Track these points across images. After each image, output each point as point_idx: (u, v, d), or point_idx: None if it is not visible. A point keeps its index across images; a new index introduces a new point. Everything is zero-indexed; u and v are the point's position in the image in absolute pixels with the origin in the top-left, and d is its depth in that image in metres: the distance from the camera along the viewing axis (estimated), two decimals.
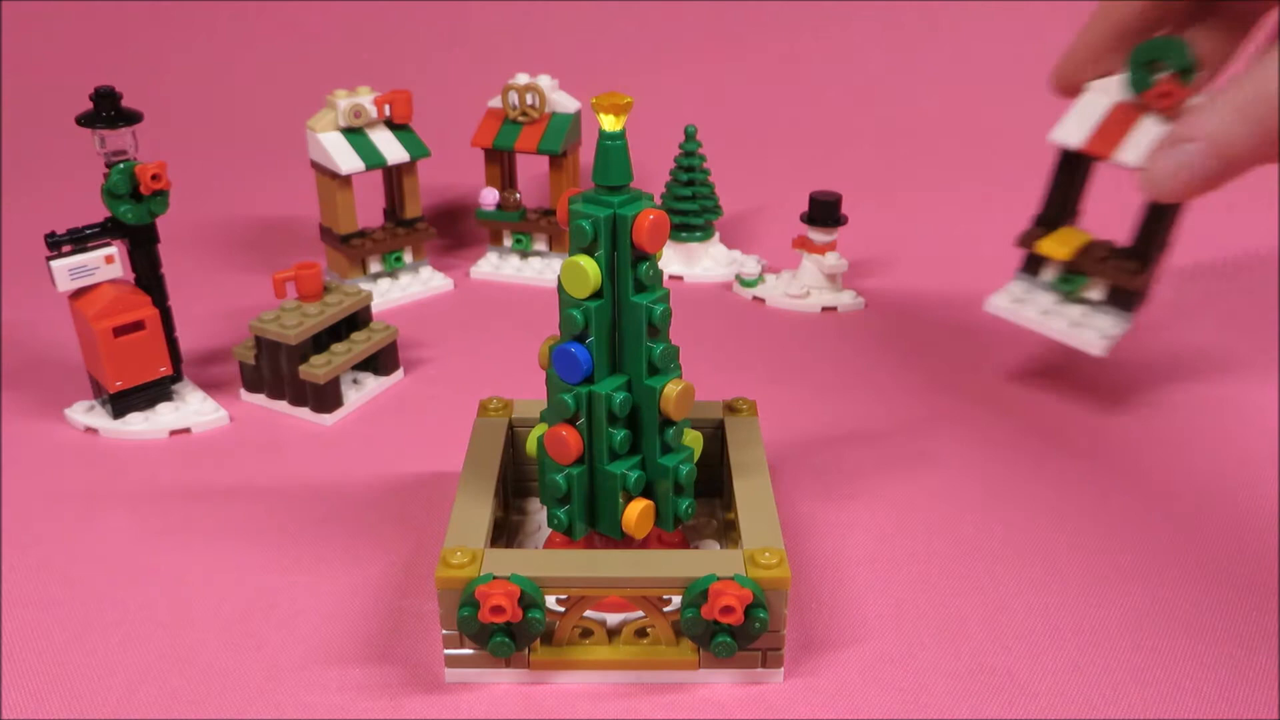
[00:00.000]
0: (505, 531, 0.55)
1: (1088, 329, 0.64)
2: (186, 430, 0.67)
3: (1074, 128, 0.60)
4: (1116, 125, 0.58)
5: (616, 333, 0.46)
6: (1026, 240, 0.66)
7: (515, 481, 0.58)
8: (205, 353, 0.76)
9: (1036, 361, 0.76)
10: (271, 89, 1.31)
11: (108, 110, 0.63)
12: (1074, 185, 0.65)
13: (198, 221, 1.01)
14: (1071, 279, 0.65)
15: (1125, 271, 0.63)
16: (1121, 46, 0.45)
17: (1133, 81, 0.56)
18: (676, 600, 0.46)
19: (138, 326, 0.65)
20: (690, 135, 0.89)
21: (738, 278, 0.88)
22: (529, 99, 0.86)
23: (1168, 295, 0.84)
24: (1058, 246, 0.64)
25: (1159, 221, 0.62)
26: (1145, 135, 0.57)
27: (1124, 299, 0.64)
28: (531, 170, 0.98)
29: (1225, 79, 0.36)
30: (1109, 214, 0.69)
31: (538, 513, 0.57)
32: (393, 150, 0.83)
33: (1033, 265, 0.67)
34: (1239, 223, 0.96)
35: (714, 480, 0.57)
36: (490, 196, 0.90)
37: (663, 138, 0.98)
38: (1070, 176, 0.64)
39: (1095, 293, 0.65)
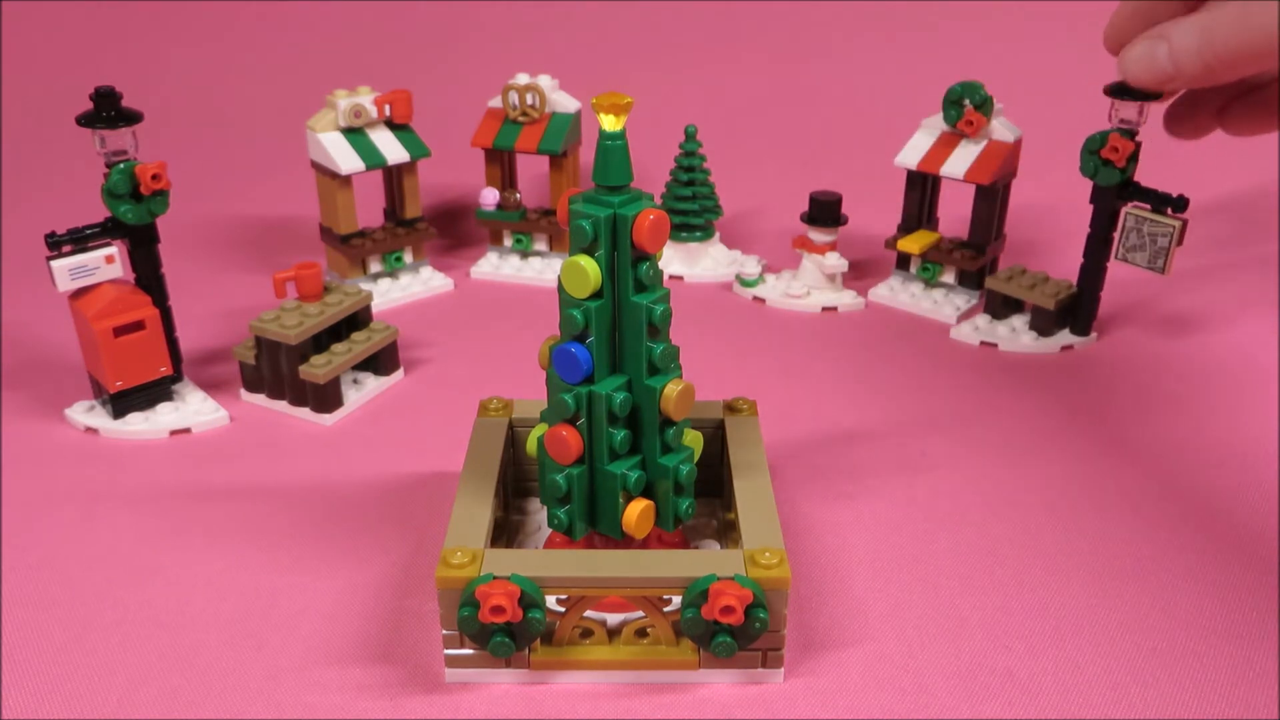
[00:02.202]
0: (505, 531, 0.55)
1: (946, 305, 0.83)
2: (187, 430, 0.67)
3: (911, 154, 0.82)
4: (941, 148, 0.81)
5: (617, 333, 0.46)
6: (891, 242, 0.85)
7: (515, 481, 0.58)
8: (205, 353, 0.76)
9: (1036, 361, 0.76)
10: (271, 89, 1.30)
11: (108, 110, 0.63)
12: (923, 196, 0.85)
13: (198, 221, 1.01)
14: (930, 268, 0.84)
15: (967, 259, 0.82)
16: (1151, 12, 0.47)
17: (946, 117, 0.80)
18: (677, 600, 0.46)
19: (138, 326, 0.65)
20: (690, 135, 0.89)
21: (738, 278, 0.88)
22: (529, 99, 0.86)
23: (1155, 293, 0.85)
24: (913, 244, 0.83)
25: (989, 219, 0.81)
26: (963, 154, 0.79)
27: (970, 279, 0.84)
28: (532, 170, 0.98)
29: None
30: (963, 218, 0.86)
31: (538, 513, 0.57)
32: (393, 150, 0.83)
33: (902, 262, 0.86)
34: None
35: (714, 480, 0.57)
36: (490, 196, 0.90)
37: (663, 138, 0.98)
38: (918, 191, 0.84)
39: (949, 277, 0.85)
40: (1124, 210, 0.74)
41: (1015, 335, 0.78)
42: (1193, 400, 0.70)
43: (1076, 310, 0.78)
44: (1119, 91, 0.71)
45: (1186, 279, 0.88)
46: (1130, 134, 0.72)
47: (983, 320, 0.80)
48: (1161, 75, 0.41)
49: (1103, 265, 0.76)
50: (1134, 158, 0.72)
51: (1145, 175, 0.73)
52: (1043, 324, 0.78)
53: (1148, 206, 0.73)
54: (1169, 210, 0.72)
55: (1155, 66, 0.41)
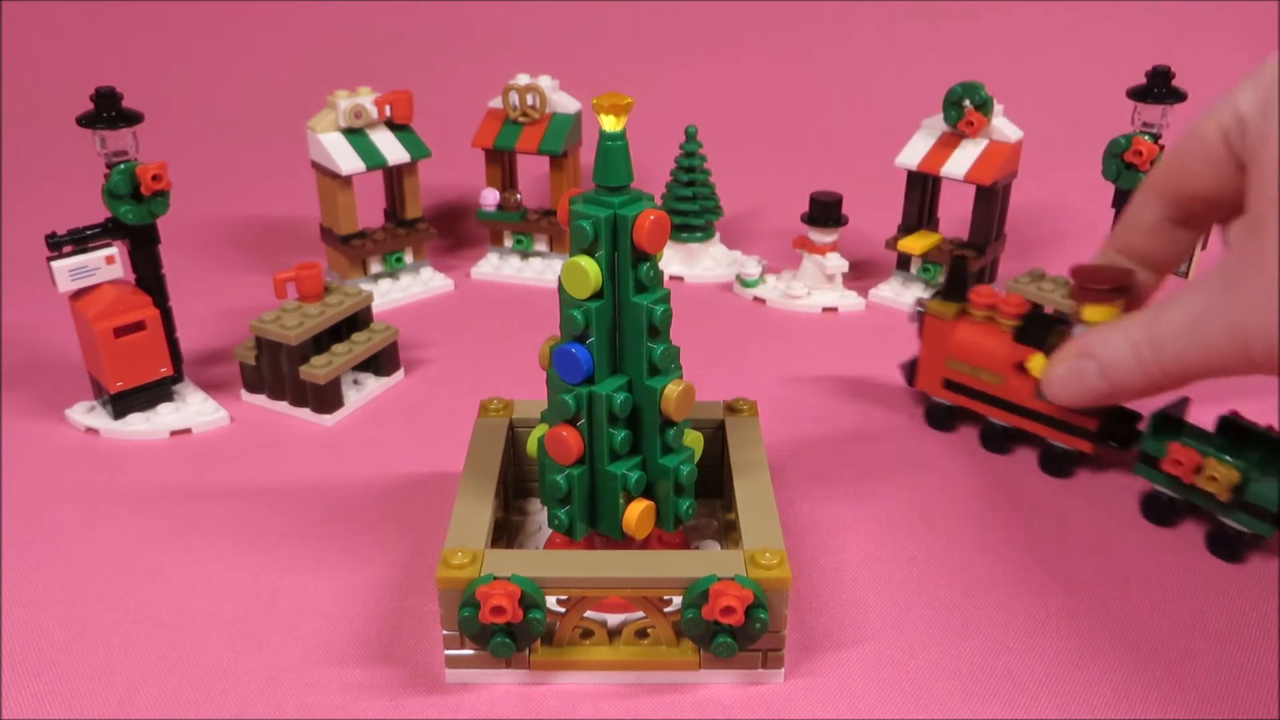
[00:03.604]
0: (506, 532, 0.55)
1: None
2: (187, 431, 0.67)
3: (911, 154, 0.82)
4: (942, 149, 0.81)
5: (617, 333, 0.46)
6: (891, 243, 0.85)
7: (516, 482, 0.58)
8: (206, 353, 0.77)
9: None
10: (271, 89, 1.30)
11: (108, 111, 0.63)
12: (923, 197, 0.84)
13: (198, 222, 1.01)
14: (930, 268, 0.84)
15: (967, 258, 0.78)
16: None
17: (947, 118, 0.80)
18: (677, 601, 0.46)
19: (138, 327, 0.65)
20: (690, 135, 0.89)
21: (738, 278, 0.88)
22: (529, 99, 0.86)
23: None
24: (914, 244, 0.82)
25: (989, 219, 0.81)
26: (964, 154, 0.80)
27: (972, 280, 0.77)
28: (532, 171, 0.98)
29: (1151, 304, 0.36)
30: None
31: (538, 513, 0.57)
32: (393, 151, 0.83)
33: (903, 262, 0.86)
34: None
35: (714, 481, 0.57)
36: (491, 197, 0.90)
37: (663, 138, 0.98)
38: (918, 191, 0.84)
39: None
40: None
41: None
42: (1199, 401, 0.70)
43: None
44: (1142, 95, 0.70)
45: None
46: (1154, 137, 0.71)
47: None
48: (1095, 394, 0.38)
49: None
50: (1157, 161, 0.71)
51: None
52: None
53: None
54: None
55: (1086, 387, 0.38)
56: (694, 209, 0.90)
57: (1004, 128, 0.79)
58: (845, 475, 0.63)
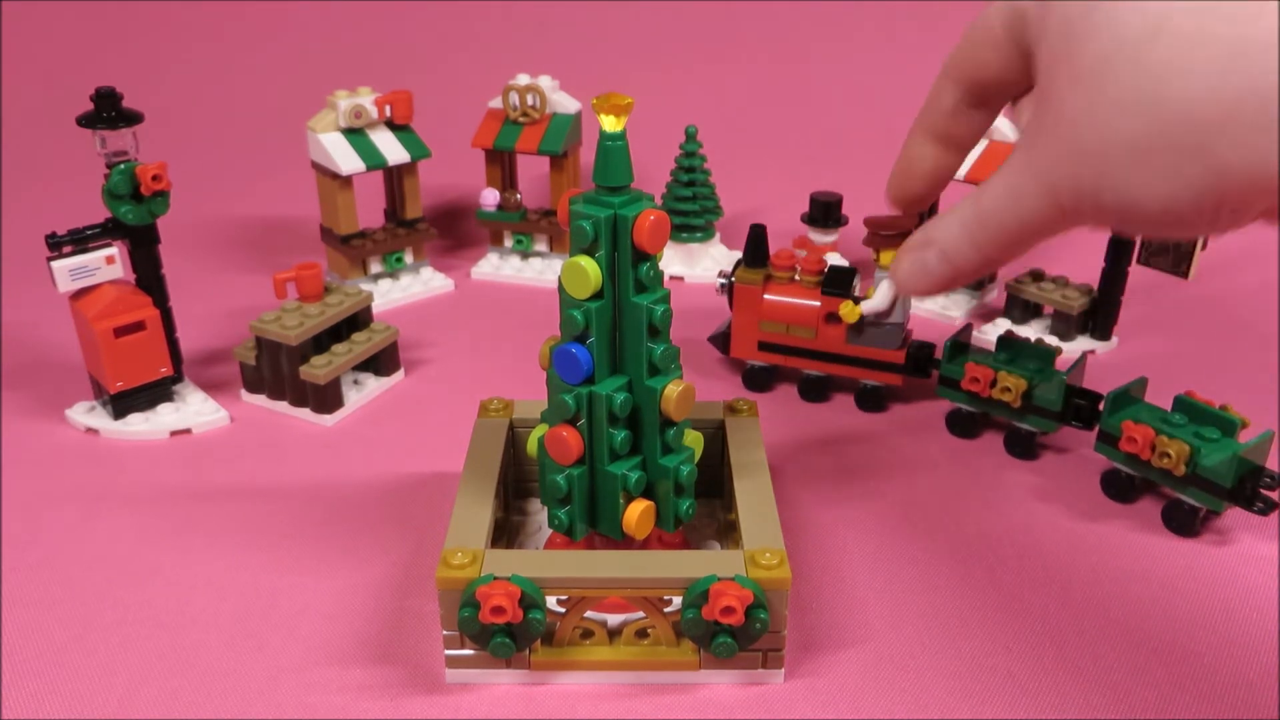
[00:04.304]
0: (506, 532, 0.55)
1: (953, 308, 0.83)
2: (187, 431, 0.67)
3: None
4: None
5: (617, 333, 0.46)
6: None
7: (516, 482, 0.58)
8: (206, 353, 0.77)
9: None
10: (271, 89, 1.31)
11: (108, 111, 0.63)
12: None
13: (198, 222, 1.01)
14: None
15: None
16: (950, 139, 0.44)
17: None
18: (677, 601, 0.46)
19: (138, 327, 0.65)
20: (690, 135, 0.89)
21: None
22: (530, 100, 0.86)
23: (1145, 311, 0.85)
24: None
25: None
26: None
27: (974, 281, 0.79)
28: (532, 171, 0.98)
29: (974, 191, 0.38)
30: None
31: (538, 513, 0.57)
32: (393, 151, 0.83)
33: None
34: None
35: (714, 481, 0.57)
36: (491, 197, 0.90)
37: (663, 138, 0.98)
38: None
39: None
40: None
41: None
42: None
43: (1097, 315, 0.77)
44: None
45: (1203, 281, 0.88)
46: None
47: (1003, 324, 0.80)
48: (942, 280, 0.40)
49: (1124, 270, 0.75)
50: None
51: None
52: (1063, 328, 0.77)
53: None
54: None
55: (931, 274, 0.40)
56: (694, 209, 0.90)
57: (1004, 128, 0.79)
58: (845, 476, 0.63)
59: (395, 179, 0.86)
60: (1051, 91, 0.33)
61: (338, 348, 0.68)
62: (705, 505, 0.57)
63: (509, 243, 0.92)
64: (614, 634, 0.48)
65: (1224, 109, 0.28)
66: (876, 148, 1.11)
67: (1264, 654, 0.49)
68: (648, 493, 0.49)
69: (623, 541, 0.49)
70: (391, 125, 0.84)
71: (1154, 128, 0.30)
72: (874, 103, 1.23)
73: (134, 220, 0.64)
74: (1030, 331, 0.78)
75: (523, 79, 0.87)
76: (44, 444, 0.65)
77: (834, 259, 0.84)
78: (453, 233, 1.00)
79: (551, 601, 0.47)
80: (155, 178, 0.63)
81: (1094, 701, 0.46)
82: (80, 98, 0.65)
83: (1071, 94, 0.32)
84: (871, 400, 0.70)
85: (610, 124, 0.43)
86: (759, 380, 0.72)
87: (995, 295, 0.87)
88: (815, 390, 0.71)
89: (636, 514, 0.47)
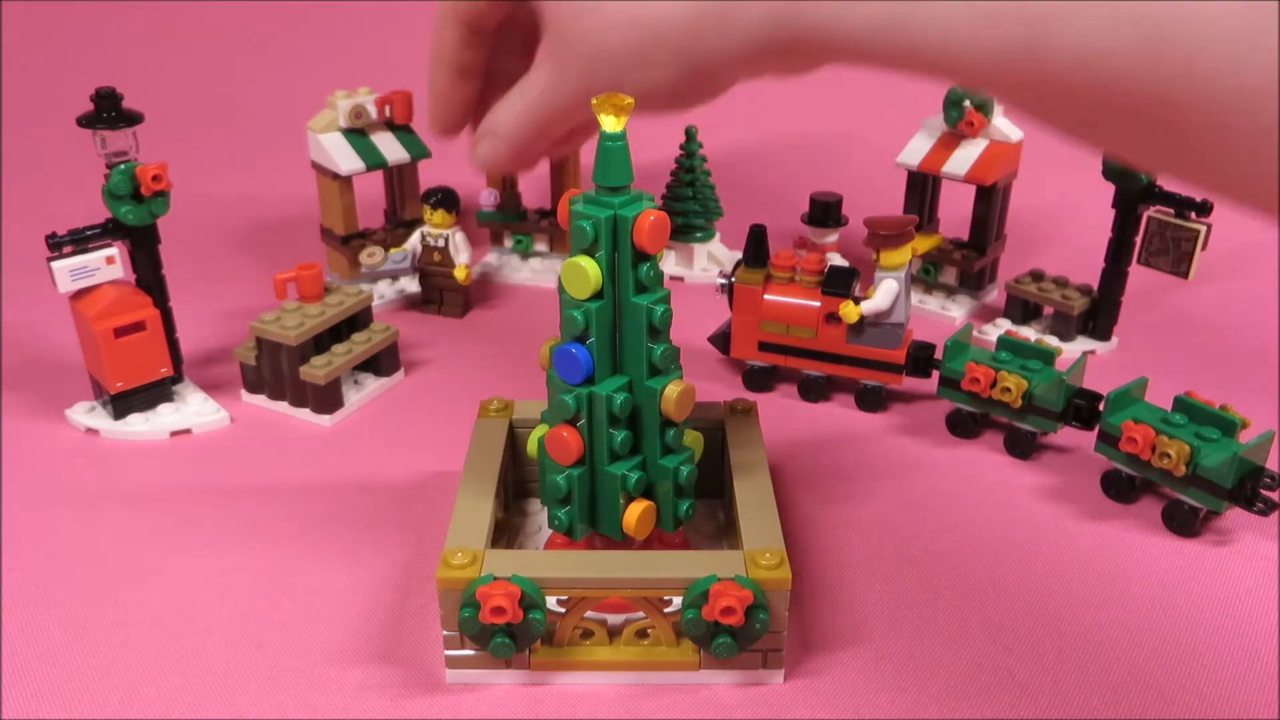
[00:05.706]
0: (506, 532, 0.55)
1: (953, 307, 0.84)
2: (187, 431, 0.67)
3: (912, 154, 0.83)
4: (942, 149, 0.82)
5: (617, 333, 0.46)
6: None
7: (516, 482, 0.58)
8: (206, 353, 0.76)
9: None
10: (271, 89, 1.30)
11: (109, 111, 0.63)
12: (924, 197, 0.85)
13: (198, 222, 1.01)
14: (930, 269, 0.85)
15: (967, 259, 0.83)
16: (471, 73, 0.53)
17: (947, 118, 0.80)
18: (677, 601, 0.46)
19: (138, 327, 0.65)
20: (691, 136, 0.89)
21: None
22: None
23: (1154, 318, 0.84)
24: (916, 244, 0.81)
25: (989, 220, 0.82)
26: (964, 154, 0.80)
27: (972, 280, 0.84)
28: (532, 171, 0.98)
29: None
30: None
31: (538, 513, 0.57)
32: (393, 151, 0.83)
33: None
34: None
35: (715, 481, 0.57)
36: (490, 197, 0.89)
37: (663, 138, 0.98)
38: (918, 191, 0.84)
39: (949, 278, 0.85)
40: (1146, 214, 0.73)
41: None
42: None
43: (1097, 315, 0.77)
44: None
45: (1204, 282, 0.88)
46: None
47: (1004, 324, 0.80)
48: (507, 156, 0.50)
49: (1124, 270, 0.75)
50: None
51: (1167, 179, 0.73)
52: (1063, 328, 0.77)
53: (1171, 211, 0.72)
54: (1192, 214, 0.71)
55: (499, 152, 0.50)
56: (694, 209, 0.90)
57: (1004, 128, 0.79)
58: (845, 476, 0.63)
59: (395, 179, 0.86)
60: (560, 22, 0.45)
61: (338, 348, 0.68)
62: (705, 505, 0.57)
63: (509, 243, 0.91)
64: (614, 634, 0.48)
65: (691, 18, 0.41)
66: (876, 148, 1.11)
67: (1264, 654, 0.49)
68: (648, 493, 0.49)
69: (623, 542, 0.49)
70: (391, 125, 0.84)
71: (645, 37, 0.42)
72: (874, 103, 1.23)
73: (134, 220, 0.64)
74: (1030, 331, 0.78)
75: None
76: (44, 444, 0.65)
77: (834, 259, 0.83)
78: None
79: (552, 602, 0.47)
80: (155, 178, 0.63)
81: (1094, 701, 0.46)
82: (80, 98, 0.65)
83: (576, 23, 0.44)
84: (871, 400, 0.70)
85: (610, 124, 0.43)
86: (759, 380, 0.72)
87: (995, 295, 0.87)
88: (815, 390, 0.71)
89: (636, 514, 0.47)
